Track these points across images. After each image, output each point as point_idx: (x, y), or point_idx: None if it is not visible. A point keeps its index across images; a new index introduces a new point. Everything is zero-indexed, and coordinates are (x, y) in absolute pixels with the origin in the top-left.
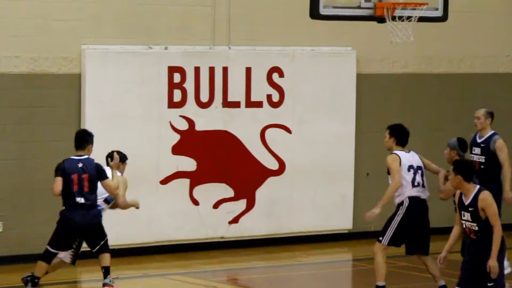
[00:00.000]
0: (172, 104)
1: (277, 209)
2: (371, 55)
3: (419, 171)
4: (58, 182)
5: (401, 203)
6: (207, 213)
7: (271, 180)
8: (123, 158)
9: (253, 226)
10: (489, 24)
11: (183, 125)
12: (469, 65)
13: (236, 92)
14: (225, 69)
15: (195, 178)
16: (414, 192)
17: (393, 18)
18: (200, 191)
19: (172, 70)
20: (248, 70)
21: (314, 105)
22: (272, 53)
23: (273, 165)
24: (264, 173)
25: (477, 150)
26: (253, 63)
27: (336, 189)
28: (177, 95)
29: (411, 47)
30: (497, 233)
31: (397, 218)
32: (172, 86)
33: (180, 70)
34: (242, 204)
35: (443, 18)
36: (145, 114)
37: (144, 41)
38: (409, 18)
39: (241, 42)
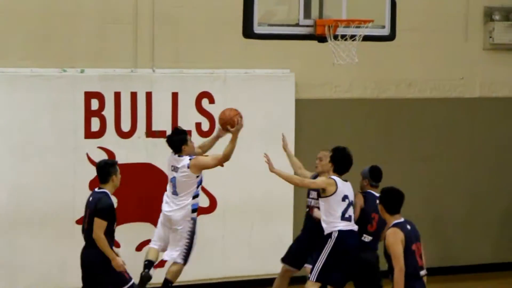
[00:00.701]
0: (89, 134)
1: (208, 251)
2: (312, 79)
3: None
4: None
5: (330, 235)
6: (130, 256)
7: (201, 219)
8: (181, 140)
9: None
10: (441, 44)
11: (102, 158)
12: (419, 89)
13: (162, 120)
14: (148, 95)
15: (116, 217)
16: (343, 225)
17: (336, 37)
18: (122, 231)
19: (89, 95)
20: (175, 96)
21: (249, 134)
22: (201, 77)
23: (203, 201)
24: None
25: (314, 194)
26: (180, 87)
27: (273, 228)
28: (95, 124)
29: (356, 70)
30: (395, 277)
31: (326, 251)
32: (89, 113)
33: (98, 95)
34: None
35: (391, 37)
36: (59, 145)
37: (57, 63)
38: (353, 37)
39: (166, 64)
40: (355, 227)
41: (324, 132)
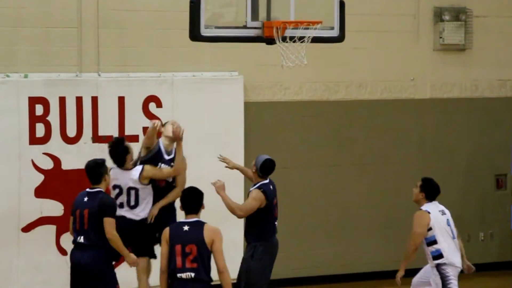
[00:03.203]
0: (34, 140)
1: (158, 257)
2: (261, 81)
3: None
4: (70, 220)
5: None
6: None
7: None
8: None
9: (134, 277)
10: (391, 45)
11: (48, 164)
12: (370, 91)
13: (108, 125)
14: (94, 99)
15: (63, 224)
16: None
17: (284, 39)
18: (69, 239)
19: (33, 101)
20: (121, 100)
21: (197, 139)
22: (148, 80)
23: None
24: None
25: None
26: (127, 91)
27: (224, 232)
28: (40, 130)
29: (305, 72)
30: None
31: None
32: (33, 119)
33: (42, 101)
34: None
35: (340, 38)
36: (3, 151)
37: (0, 68)
38: (301, 39)
39: (112, 68)
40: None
41: (274, 134)
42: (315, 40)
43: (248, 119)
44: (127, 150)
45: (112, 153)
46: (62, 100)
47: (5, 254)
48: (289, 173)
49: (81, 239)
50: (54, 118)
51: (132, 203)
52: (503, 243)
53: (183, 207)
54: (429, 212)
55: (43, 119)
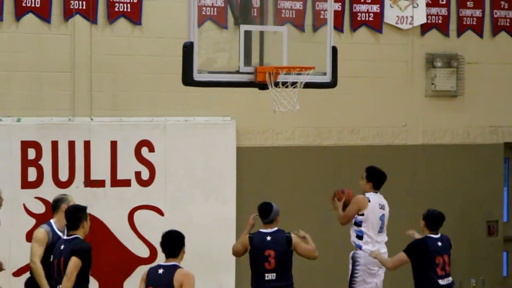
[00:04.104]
0: (26, 184)
1: None
2: (253, 126)
3: None
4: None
5: None
6: None
7: (141, 270)
8: None
9: None
10: (383, 91)
11: (39, 208)
12: (362, 137)
13: (100, 170)
14: (87, 144)
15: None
16: None
17: (276, 84)
18: None
19: (25, 145)
20: (114, 144)
21: (189, 183)
22: (141, 125)
23: (143, 252)
24: (133, 261)
25: None
26: (119, 136)
27: (215, 278)
28: (32, 174)
29: (297, 117)
30: None
31: None
32: (26, 163)
33: (35, 145)
34: None
35: (332, 84)
36: None
37: None
38: (294, 84)
39: (104, 113)
40: None
41: (266, 179)
42: (308, 85)
43: (241, 164)
44: None
45: None
46: (54, 144)
47: None
48: (281, 218)
49: None
50: (46, 162)
51: None
52: None
53: (163, 250)
54: (369, 200)
55: (35, 163)
